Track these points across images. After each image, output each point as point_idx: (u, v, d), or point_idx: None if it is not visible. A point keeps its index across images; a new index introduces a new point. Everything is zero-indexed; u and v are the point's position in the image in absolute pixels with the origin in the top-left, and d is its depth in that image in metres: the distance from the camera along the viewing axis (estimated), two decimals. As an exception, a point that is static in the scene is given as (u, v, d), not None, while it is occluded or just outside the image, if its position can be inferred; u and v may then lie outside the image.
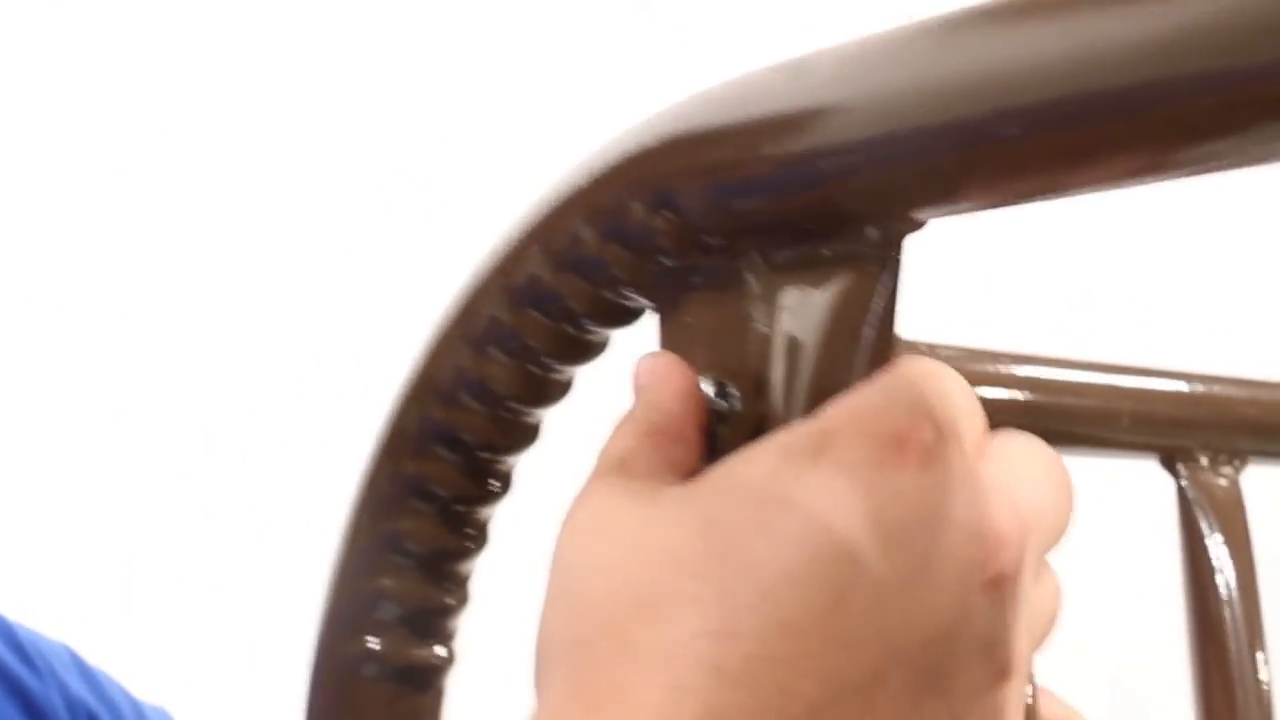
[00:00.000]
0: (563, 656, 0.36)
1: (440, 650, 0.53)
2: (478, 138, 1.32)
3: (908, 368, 0.39)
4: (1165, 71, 0.31)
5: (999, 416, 0.54)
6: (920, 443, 0.35)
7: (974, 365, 0.53)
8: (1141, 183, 0.35)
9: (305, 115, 1.26)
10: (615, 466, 0.40)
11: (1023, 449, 0.40)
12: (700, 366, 0.42)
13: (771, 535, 0.34)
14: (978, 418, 0.39)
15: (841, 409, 0.37)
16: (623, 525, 0.37)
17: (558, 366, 0.48)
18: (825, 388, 0.39)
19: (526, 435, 0.51)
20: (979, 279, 1.49)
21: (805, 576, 0.34)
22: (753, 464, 0.36)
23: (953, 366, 0.53)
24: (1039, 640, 0.39)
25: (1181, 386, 0.59)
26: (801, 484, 0.35)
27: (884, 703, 0.34)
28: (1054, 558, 0.42)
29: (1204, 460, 0.60)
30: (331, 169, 1.27)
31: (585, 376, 0.50)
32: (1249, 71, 0.30)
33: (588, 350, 0.48)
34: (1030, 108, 0.32)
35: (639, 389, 0.42)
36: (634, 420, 0.41)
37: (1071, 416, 0.56)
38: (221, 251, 1.24)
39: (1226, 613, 0.59)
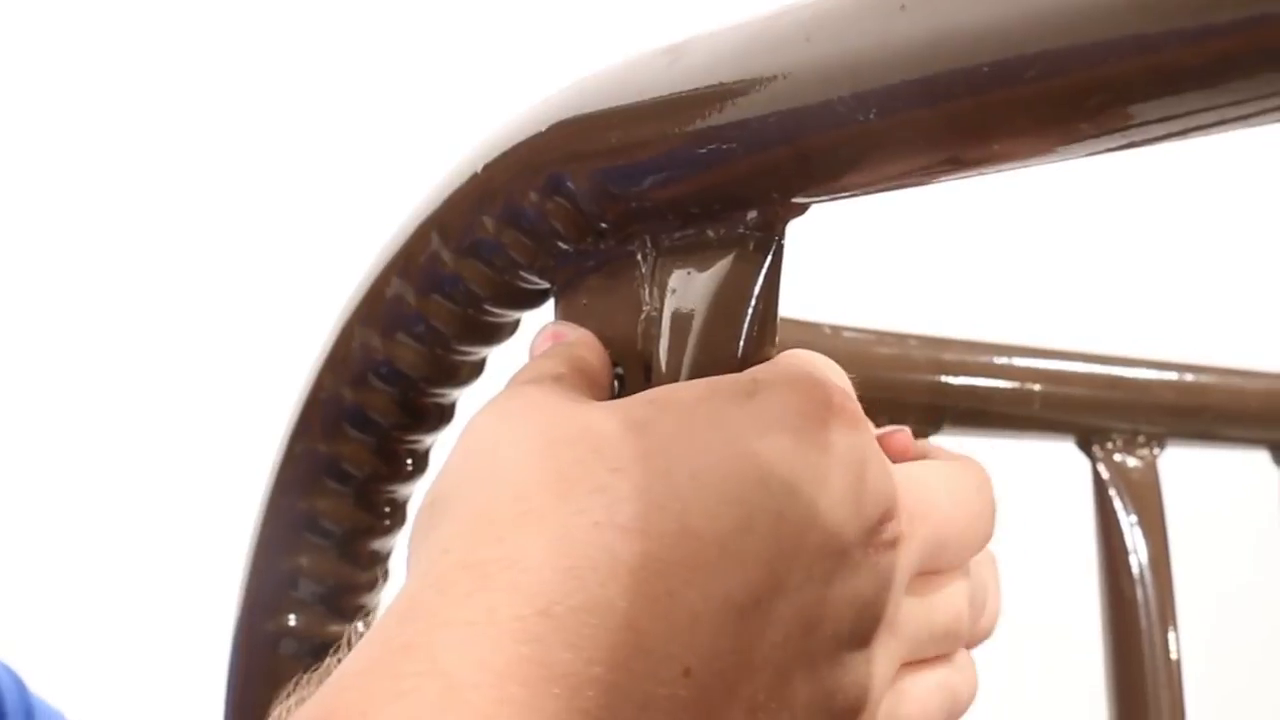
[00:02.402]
0: (461, 518, 0.36)
1: (359, 626, 0.54)
2: (372, 122, 1.32)
3: (804, 353, 0.41)
4: (1014, 56, 0.32)
5: (907, 399, 0.55)
6: (843, 408, 0.37)
7: (881, 348, 0.54)
8: (1019, 166, 0.36)
9: (200, 111, 1.27)
10: (550, 379, 0.41)
11: (936, 457, 0.42)
12: None
13: (695, 446, 0.35)
14: None
15: (769, 368, 0.39)
16: (553, 412, 0.38)
17: (466, 348, 0.49)
18: (708, 366, 0.40)
19: (440, 416, 0.52)
20: (893, 260, 1.50)
21: (719, 490, 0.35)
22: (685, 389, 0.38)
23: (858, 349, 0.54)
24: (940, 636, 0.41)
25: (1095, 369, 0.60)
26: (732, 412, 0.36)
27: (759, 629, 0.35)
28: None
29: (1119, 442, 0.61)
30: (239, 154, 1.28)
31: (500, 356, 0.51)
32: (1091, 53, 0.31)
33: (495, 332, 0.49)
34: (881, 91, 0.33)
35: (557, 344, 0.43)
36: (560, 356, 0.42)
37: (981, 397, 0.57)
38: (120, 238, 1.24)
39: (1139, 592, 0.60)
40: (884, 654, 0.38)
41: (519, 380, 0.41)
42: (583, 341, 0.43)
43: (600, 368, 0.42)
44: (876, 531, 0.37)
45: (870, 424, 0.39)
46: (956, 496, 0.41)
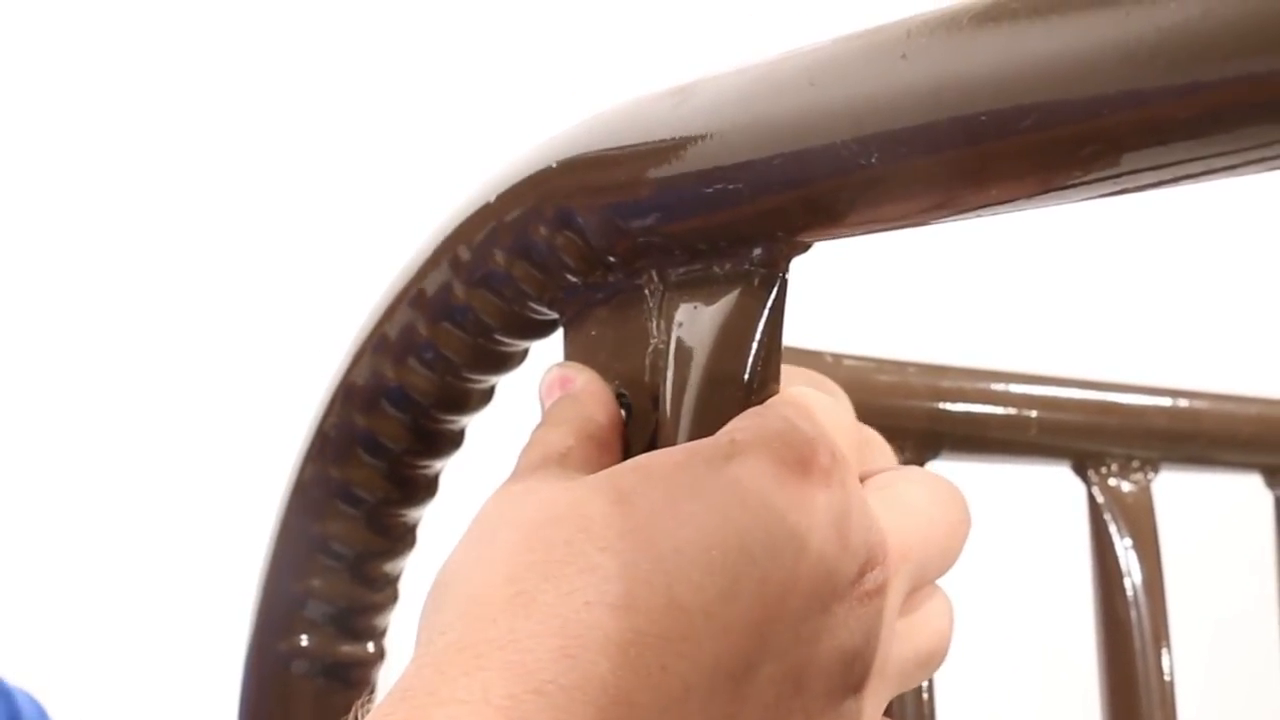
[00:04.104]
0: (459, 601, 0.37)
1: (369, 647, 0.55)
2: (388, 151, 1.34)
3: (803, 396, 0.42)
4: (1011, 105, 0.33)
5: (906, 425, 0.56)
6: (819, 465, 0.38)
7: (881, 376, 0.55)
8: (1015, 210, 0.37)
9: (215, 127, 1.28)
10: (556, 458, 0.42)
11: (910, 480, 0.42)
12: (601, 376, 0.45)
13: (678, 518, 0.36)
14: (858, 449, 0.42)
15: (748, 426, 0.39)
16: (546, 496, 0.39)
17: (475, 376, 0.50)
18: (713, 399, 0.41)
19: (450, 442, 0.53)
20: (893, 289, 1.51)
21: (703, 562, 0.36)
22: (667, 456, 0.39)
23: (858, 377, 0.55)
24: (924, 660, 0.41)
25: (1090, 395, 0.61)
26: (711, 479, 0.37)
27: (751, 692, 0.36)
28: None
29: (1114, 466, 0.62)
30: (252, 182, 1.29)
31: (508, 384, 0.52)
32: (1086, 105, 0.32)
33: (505, 361, 0.50)
34: (883, 136, 0.34)
35: (565, 398, 0.45)
36: (571, 423, 0.43)
37: (978, 423, 0.58)
38: (135, 262, 1.25)
39: (1133, 614, 0.61)
40: (874, 698, 0.39)
41: (527, 460, 0.42)
42: (589, 394, 0.44)
43: (609, 425, 0.43)
44: (859, 583, 0.38)
45: (852, 467, 0.39)
46: (936, 511, 0.41)
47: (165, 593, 1.23)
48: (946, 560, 0.42)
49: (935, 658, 0.42)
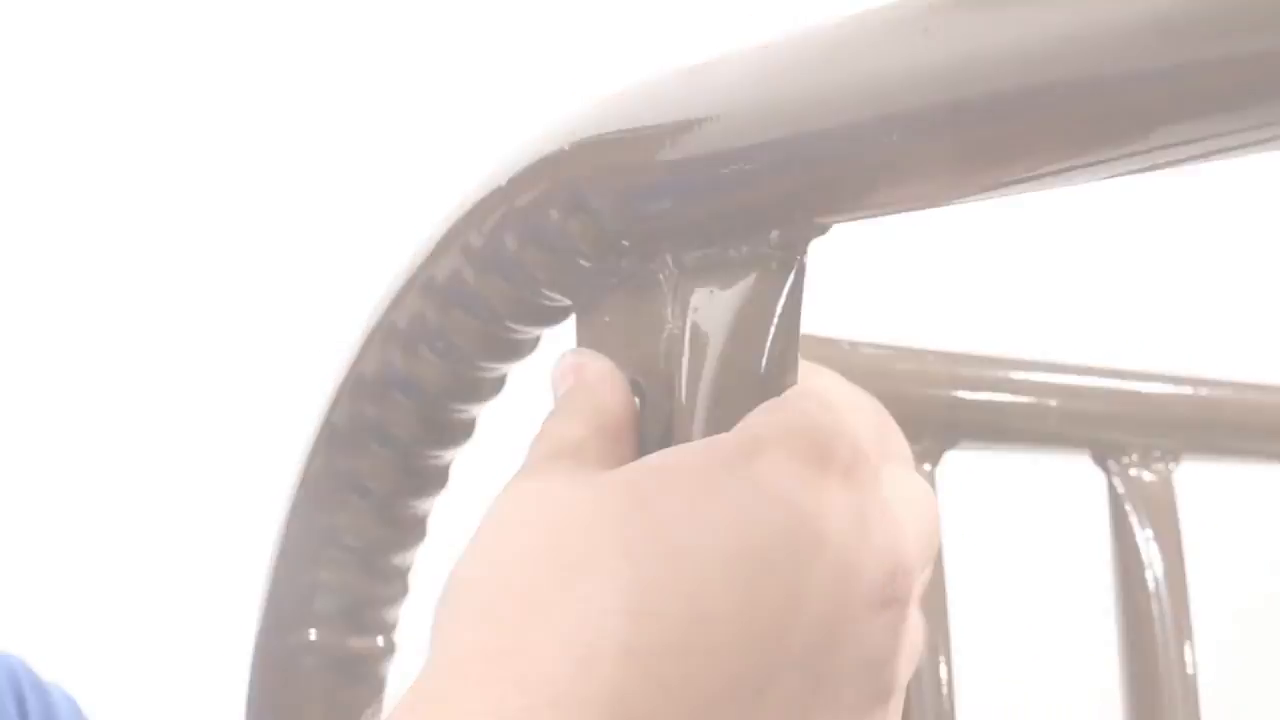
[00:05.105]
0: (474, 606, 0.36)
1: (379, 640, 0.55)
2: (396, 138, 1.33)
3: (824, 385, 0.41)
4: (1038, 81, 0.32)
5: (925, 414, 0.55)
6: (840, 461, 0.37)
7: (899, 364, 0.55)
8: (1042, 189, 0.36)
9: (225, 117, 1.28)
10: (570, 451, 0.41)
11: (910, 479, 0.41)
12: (616, 363, 0.44)
13: (699, 524, 0.35)
14: (879, 440, 0.41)
15: (769, 421, 0.38)
16: (562, 496, 0.38)
17: (486, 365, 0.49)
18: (730, 386, 0.40)
19: (461, 431, 0.52)
20: (910, 276, 1.51)
21: (726, 570, 0.35)
22: (687, 455, 0.38)
23: (876, 365, 0.54)
24: (915, 660, 0.40)
25: (1111, 383, 0.61)
26: (732, 482, 0.36)
27: (776, 703, 0.35)
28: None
29: (1135, 456, 0.61)
30: (259, 169, 1.29)
31: (520, 373, 0.51)
32: (1116, 78, 0.31)
33: (516, 349, 0.49)
34: (905, 114, 0.34)
35: (578, 386, 0.43)
36: (583, 413, 0.42)
37: (998, 412, 0.57)
38: (143, 251, 1.25)
39: (1155, 606, 0.60)
40: (896, 702, 0.38)
41: (539, 452, 0.41)
42: (603, 382, 0.43)
43: (624, 415, 0.42)
44: (885, 588, 0.37)
45: (874, 462, 0.38)
46: (932, 506, 0.40)
47: (173, 586, 1.23)
48: (935, 550, 0.41)
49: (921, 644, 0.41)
